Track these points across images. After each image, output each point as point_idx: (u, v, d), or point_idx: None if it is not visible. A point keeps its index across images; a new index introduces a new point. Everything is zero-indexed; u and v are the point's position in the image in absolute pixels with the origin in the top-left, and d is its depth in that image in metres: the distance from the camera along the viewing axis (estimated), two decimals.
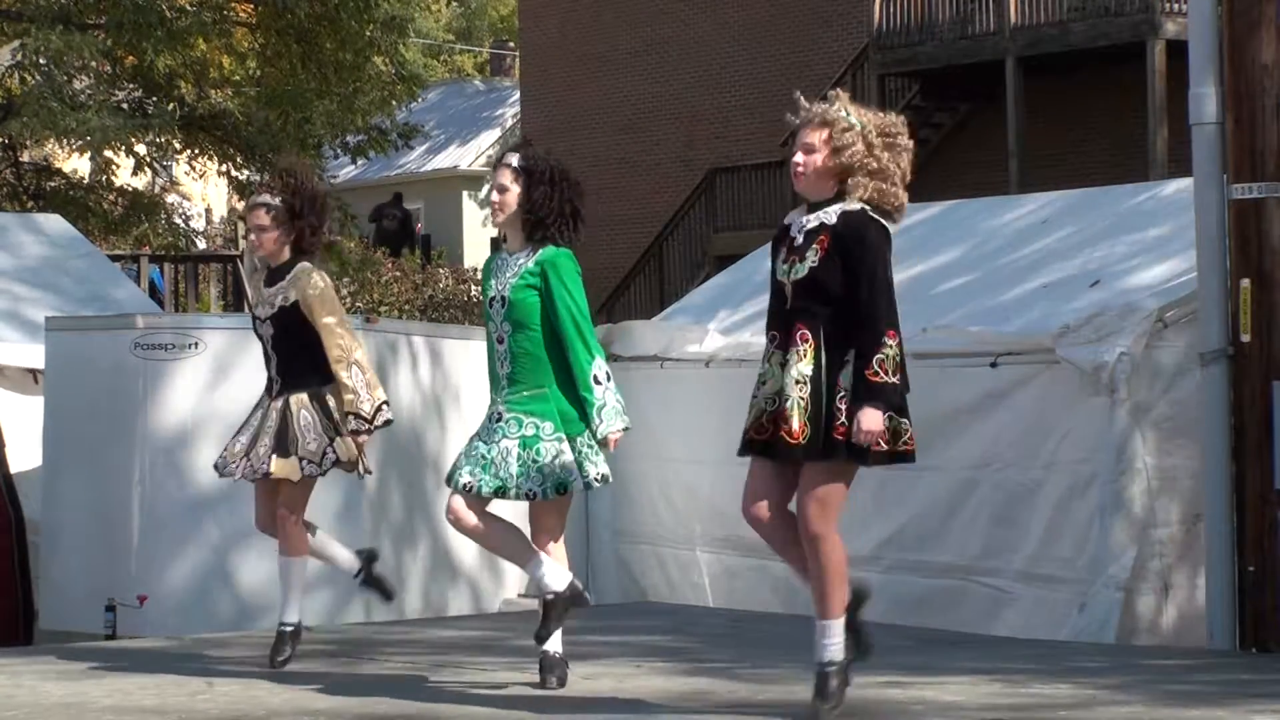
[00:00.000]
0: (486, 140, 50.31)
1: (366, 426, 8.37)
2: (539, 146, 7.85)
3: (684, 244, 32.01)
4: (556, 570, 7.52)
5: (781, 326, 6.75)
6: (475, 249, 45.99)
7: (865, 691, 6.94)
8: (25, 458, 12.31)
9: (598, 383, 7.49)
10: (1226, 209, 9.11)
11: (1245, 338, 9.03)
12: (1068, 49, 26.55)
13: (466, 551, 11.89)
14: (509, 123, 48.62)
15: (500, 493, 7.43)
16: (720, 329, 12.17)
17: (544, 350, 7.51)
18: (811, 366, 6.63)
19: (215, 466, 8.62)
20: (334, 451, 8.34)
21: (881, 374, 6.53)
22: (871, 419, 6.50)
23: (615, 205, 33.61)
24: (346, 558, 8.65)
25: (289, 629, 8.45)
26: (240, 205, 28.70)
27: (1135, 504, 9.54)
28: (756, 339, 11.36)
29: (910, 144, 6.84)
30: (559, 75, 35.75)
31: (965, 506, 10.26)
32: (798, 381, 6.62)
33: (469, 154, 50.28)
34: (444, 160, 50.36)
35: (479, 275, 35.85)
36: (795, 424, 6.59)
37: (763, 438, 6.74)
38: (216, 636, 10.03)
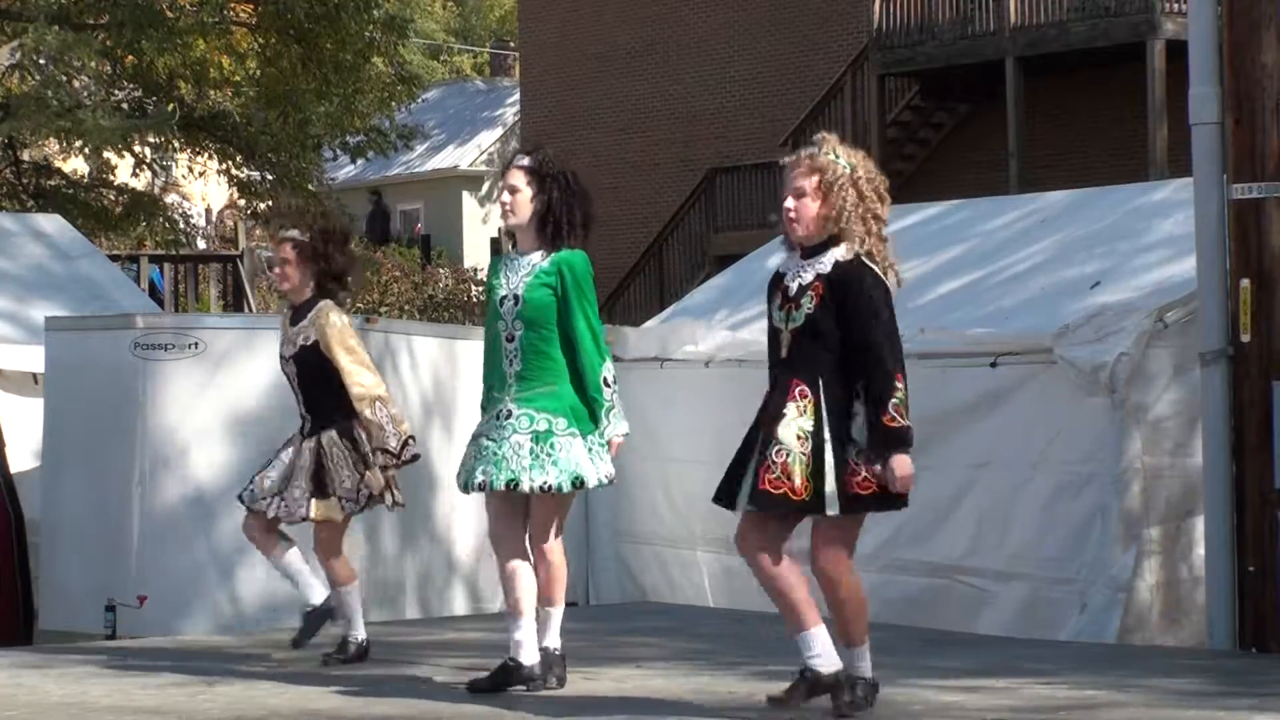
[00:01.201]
0: (486, 140, 50.32)
1: (395, 461, 8.45)
2: (550, 148, 7.88)
3: (684, 244, 32.02)
4: (551, 630, 7.67)
5: (778, 379, 6.78)
6: (475, 249, 45.99)
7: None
8: (25, 458, 12.31)
9: (607, 385, 7.58)
10: (1226, 209, 9.11)
11: (1245, 338, 9.03)
12: (1068, 49, 26.56)
13: (465, 551, 11.89)
14: (509, 123, 48.62)
15: (513, 484, 7.45)
16: (719, 327, 12.16)
17: (555, 349, 7.57)
18: (812, 422, 6.65)
19: (241, 498, 8.68)
20: (366, 487, 8.41)
21: (898, 418, 6.59)
22: (904, 464, 6.60)
23: (615, 205, 33.59)
24: (319, 590, 8.65)
25: (355, 642, 8.60)
26: (240, 203, 28.72)
27: (1135, 504, 9.54)
28: (756, 338, 11.40)
29: (886, 205, 6.82)
30: (559, 75, 35.75)
31: (963, 506, 10.25)
32: (799, 437, 6.64)
33: (469, 154, 50.27)
34: (444, 160, 50.35)
35: (479, 275, 36.02)
36: (797, 481, 6.62)
37: (754, 488, 6.74)
38: (216, 637, 10.04)
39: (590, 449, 7.54)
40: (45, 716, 7.36)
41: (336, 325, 8.44)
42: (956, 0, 27.73)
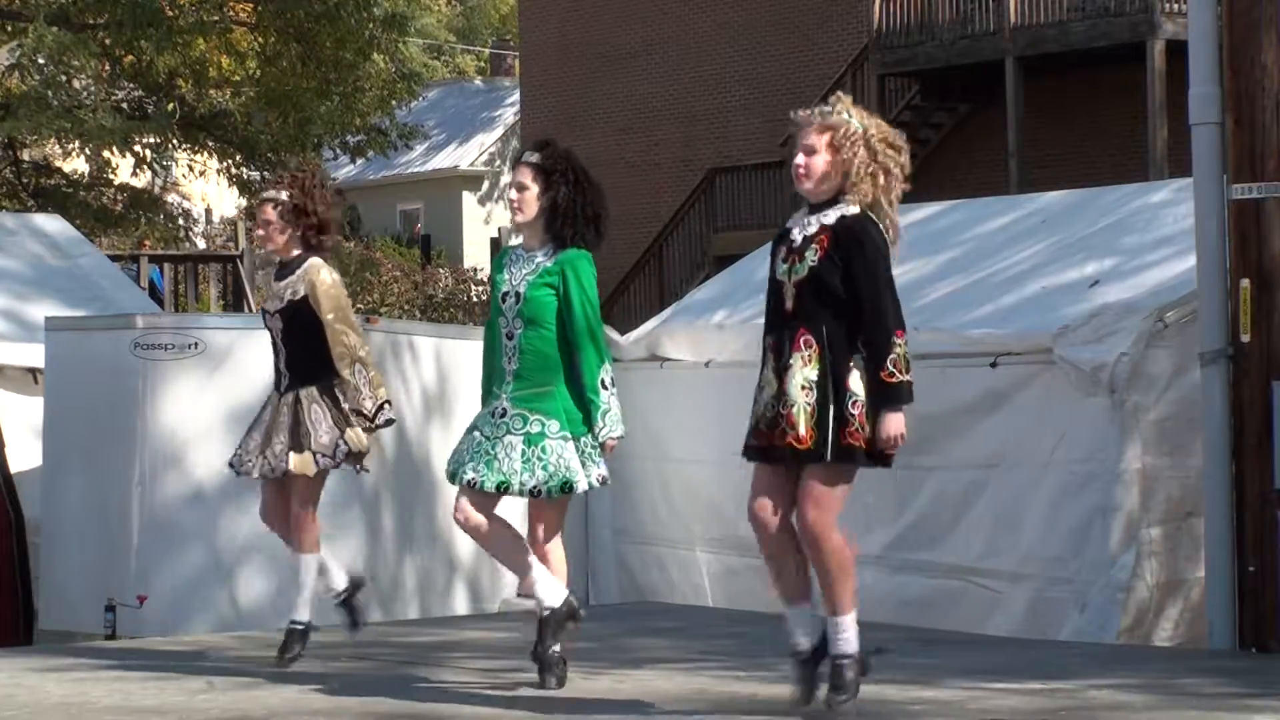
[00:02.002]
0: (486, 140, 50.31)
1: (368, 424, 8.40)
2: (559, 143, 7.83)
3: (684, 244, 32.02)
4: (552, 585, 7.54)
5: (782, 331, 6.76)
6: (475, 248, 45.98)
7: (865, 691, 6.94)
8: (25, 458, 12.31)
9: (604, 387, 7.53)
10: (1226, 209, 9.10)
11: (1245, 338, 9.03)
12: (1067, 49, 26.56)
13: (465, 551, 11.89)
14: (509, 123, 48.62)
15: (503, 488, 7.43)
16: (719, 328, 12.16)
17: (554, 349, 7.53)
18: (817, 371, 6.63)
19: (230, 464, 8.64)
20: (345, 444, 8.36)
21: (896, 373, 6.58)
22: (895, 422, 6.58)
23: (615, 205, 33.24)
24: (339, 576, 8.62)
25: (299, 627, 8.44)
26: (241, 202, 28.73)
27: (1135, 504, 9.54)
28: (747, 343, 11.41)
29: (905, 155, 6.84)
30: (559, 75, 35.75)
31: (964, 507, 10.25)
32: (803, 387, 6.62)
33: (469, 154, 50.27)
34: (444, 160, 50.34)
35: (479, 275, 36.03)
36: (802, 429, 6.60)
37: (761, 444, 6.75)
38: (216, 636, 10.04)
39: (583, 452, 7.51)
40: (45, 716, 7.36)
41: (327, 281, 8.40)
42: (956, 0, 27.73)
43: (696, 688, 7.82)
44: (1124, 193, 12.14)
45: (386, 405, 8.44)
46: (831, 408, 6.59)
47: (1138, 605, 9.49)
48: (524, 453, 7.43)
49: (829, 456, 6.58)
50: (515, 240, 7.93)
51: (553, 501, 7.56)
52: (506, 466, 7.42)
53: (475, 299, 35.36)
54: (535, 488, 7.43)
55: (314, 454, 8.32)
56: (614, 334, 12.30)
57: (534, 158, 7.67)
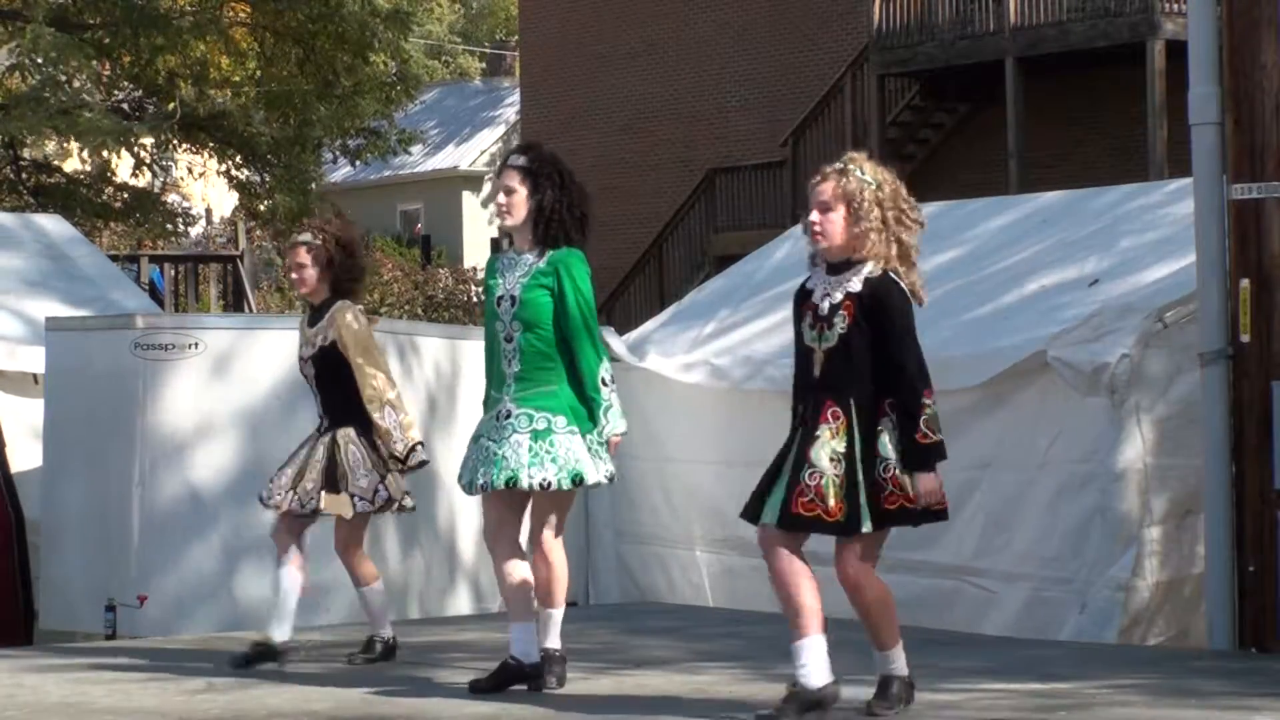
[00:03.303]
0: (485, 140, 50.32)
1: (400, 467, 8.51)
2: (545, 146, 7.87)
3: (684, 244, 32.02)
4: (551, 631, 7.65)
5: (808, 400, 6.80)
6: (475, 249, 46.01)
7: (863, 692, 6.95)
8: (25, 458, 12.31)
9: (604, 384, 7.56)
10: (1226, 209, 9.11)
11: (1245, 338, 9.03)
12: (1067, 49, 26.56)
13: (467, 552, 11.90)
14: (510, 122, 48.63)
15: (511, 483, 7.45)
16: (717, 329, 12.16)
17: (553, 349, 7.56)
18: (845, 443, 6.68)
19: (260, 499, 8.74)
20: (385, 489, 8.45)
21: (930, 434, 6.66)
22: (930, 481, 6.67)
23: (615, 205, 33.58)
24: (284, 630, 8.58)
25: (381, 640, 8.68)
26: (242, 204, 28.72)
27: (1135, 504, 9.53)
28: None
29: (921, 219, 6.90)
30: (559, 75, 35.76)
31: (964, 507, 10.25)
32: (832, 459, 6.67)
33: (468, 154, 50.28)
34: (443, 160, 50.35)
35: (479, 275, 36.02)
36: (831, 502, 6.64)
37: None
38: (216, 636, 10.04)
39: (590, 447, 7.54)
40: (45, 716, 7.37)
41: (353, 326, 8.51)
42: (956, 1, 27.73)
43: (696, 688, 7.82)
44: (1123, 192, 12.15)
45: (419, 447, 8.57)
46: (861, 478, 6.64)
47: (1138, 605, 9.48)
48: (532, 448, 7.46)
49: (864, 529, 6.65)
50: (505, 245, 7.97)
51: (556, 497, 7.56)
52: (514, 462, 7.45)
53: (475, 299, 35.37)
54: (545, 480, 7.45)
55: (351, 496, 8.42)
56: (612, 337, 12.30)
57: (520, 161, 7.71)
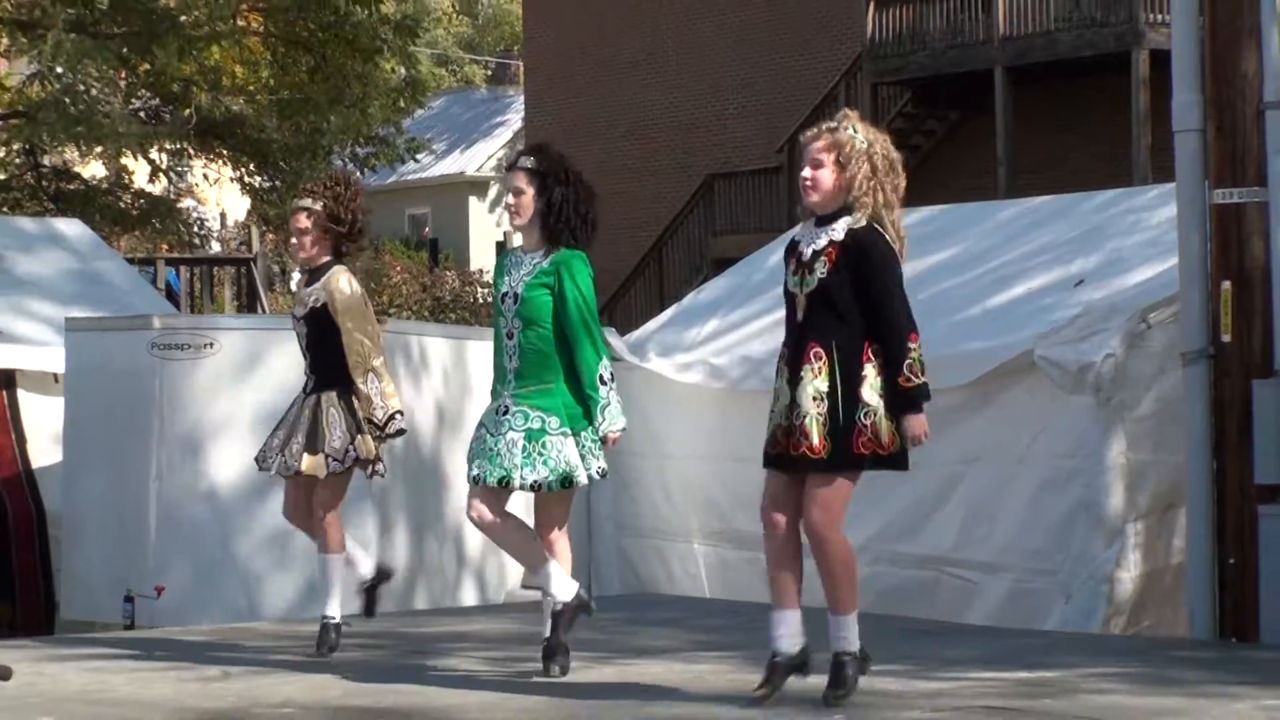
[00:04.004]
0: (491, 146, 50.31)
1: (378, 433, 8.42)
2: (553, 147, 7.84)
3: (683, 247, 32.02)
4: (564, 580, 7.57)
5: (793, 343, 6.82)
6: (481, 252, 45.99)
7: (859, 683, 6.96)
8: (46, 454, 12.33)
9: (603, 382, 7.54)
10: (1208, 213, 9.11)
11: (1226, 338, 9.04)
12: (1055, 58, 26.56)
13: (473, 545, 11.91)
14: (514, 129, 48.62)
15: (504, 482, 7.45)
16: (715, 329, 12.18)
17: (553, 347, 7.53)
18: (827, 383, 6.69)
19: (255, 460, 8.70)
20: (354, 450, 8.39)
21: (914, 378, 6.67)
22: (918, 423, 6.68)
23: (616, 210, 33.54)
24: (367, 565, 8.66)
25: (332, 622, 8.47)
26: (250, 205, 28.71)
27: (1118, 499, 9.54)
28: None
29: (902, 178, 6.90)
30: (562, 84, 35.74)
31: (947, 501, 10.26)
32: (814, 398, 6.68)
33: (474, 160, 50.27)
34: (450, 166, 50.34)
35: (485, 277, 36.03)
36: (815, 440, 6.66)
37: (777, 451, 6.80)
38: (231, 627, 10.05)
39: (583, 446, 7.53)
40: (66, 704, 7.38)
41: (345, 290, 8.42)
42: (947, 11, 27.73)
43: (695, 676, 7.83)
44: (1109, 197, 12.15)
45: (398, 415, 8.46)
46: (842, 418, 6.63)
47: (1121, 596, 9.49)
48: (525, 448, 7.45)
49: (839, 464, 6.64)
50: (516, 243, 7.95)
51: (555, 495, 7.57)
52: (508, 461, 7.44)
53: (481, 300, 35.37)
54: (536, 482, 7.44)
55: (326, 457, 8.36)
56: (613, 337, 12.31)
57: (529, 162, 7.69)
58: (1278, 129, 9.02)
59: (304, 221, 8.55)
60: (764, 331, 11.60)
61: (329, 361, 8.43)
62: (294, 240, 8.66)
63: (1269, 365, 8.98)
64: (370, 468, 8.49)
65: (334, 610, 8.46)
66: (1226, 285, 9.02)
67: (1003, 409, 10.04)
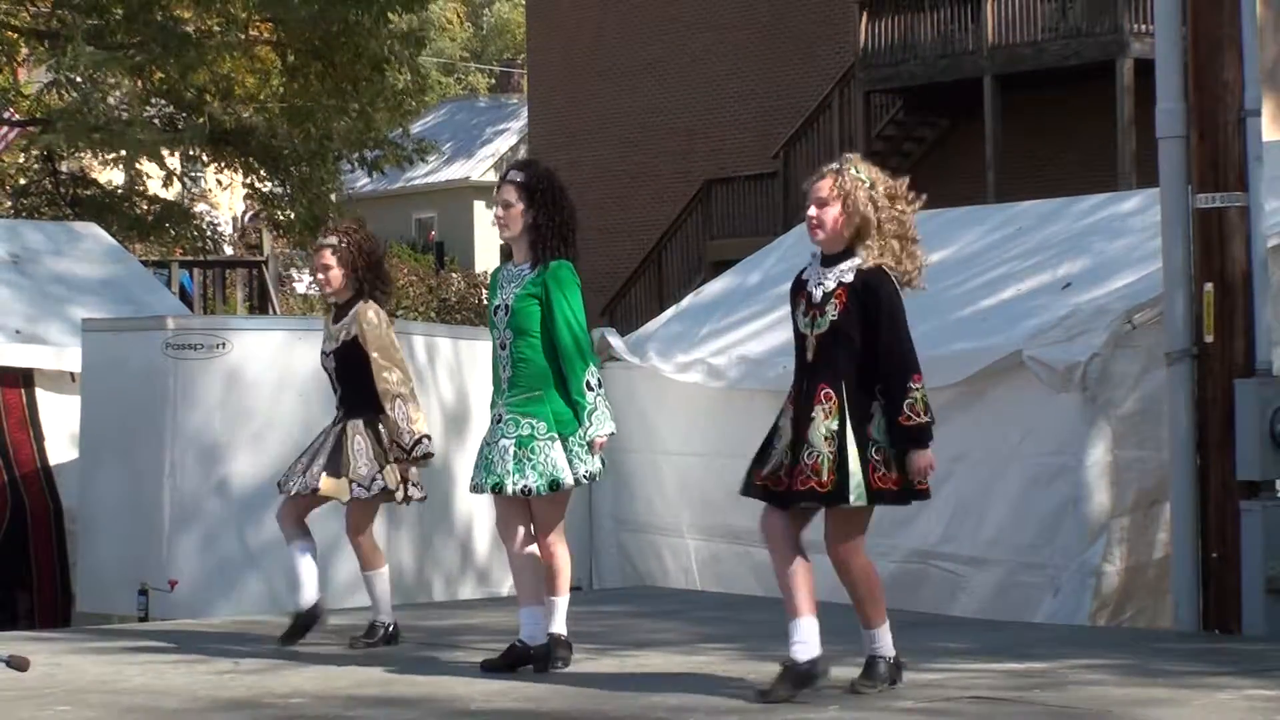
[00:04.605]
0: (495, 151, 50.35)
1: (404, 457, 8.47)
2: (541, 163, 7.91)
3: (681, 250, 32.02)
4: (557, 617, 7.68)
5: (804, 382, 6.83)
6: (486, 255, 46.04)
7: (845, 671, 6.96)
8: (64, 451, 12.33)
9: (590, 389, 7.58)
10: (1191, 217, 9.11)
11: (1208, 338, 9.04)
12: (1042, 67, 26.58)
13: (479, 541, 11.91)
14: (517, 136, 48.66)
15: (497, 488, 7.50)
16: (713, 330, 12.17)
17: (542, 356, 7.58)
18: (837, 422, 6.70)
19: (278, 484, 8.75)
20: (382, 479, 8.43)
21: (914, 417, 6.67)
22: (920, 458, 6.70)
23: (617, 214, 33.62)
24: (309, 593, 8.59)
25: (381, 625, 8.61)
26: (260, 213, 28.69)
27: (1105, 495, 9.55)
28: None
29: (913, 207, 6.90)
30: (564, 92, 35.75)
31: (939, 497, 10.21)
32: (826, 438, 6.69)
33: (479, 165, 50.31)
34: (455, 171, 50.40)
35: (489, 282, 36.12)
36: (824, 476, 6.67)
37: (776, 488, 6.81)
38: (243, 619, 10.05)
39: (570, 450, 7.55)
40: (82, 694, 7.38)
41: (374, 323, 8.52)
42: (938, 21, 27.73)
43: (693, 667, 7.83)
44: (1095, 202, 12.15)
45: (425, 439, 8.52)
46: (854, 456, 6.66)
47: (1107, 589, 9.49)
48: (515, 455, 7.53)
49: (851, 500, 6.66)
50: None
51: (545, 499, 7.60)
52: (500, 469, 7.53)
53: (485, 302, 35.40)
54: (526, 487, 7.49)
55: (351, 482, 8.41)
56: (613, 337, 12.31)
57: (518, 176, 7.76)
58: (1258, 135, 9.04)
59: (328, 258, 8.63)
60: (761, 332, 11.61)
61: (358, 393, 8.51)
62: (319, 276, 8.72)
63: (1250, 365, 8.99)
64: (402, 494, 8.53)
65: (385, 617, 8.62)
66: (1209, 287, 9.02)
67: (992, 407, 10.04)
